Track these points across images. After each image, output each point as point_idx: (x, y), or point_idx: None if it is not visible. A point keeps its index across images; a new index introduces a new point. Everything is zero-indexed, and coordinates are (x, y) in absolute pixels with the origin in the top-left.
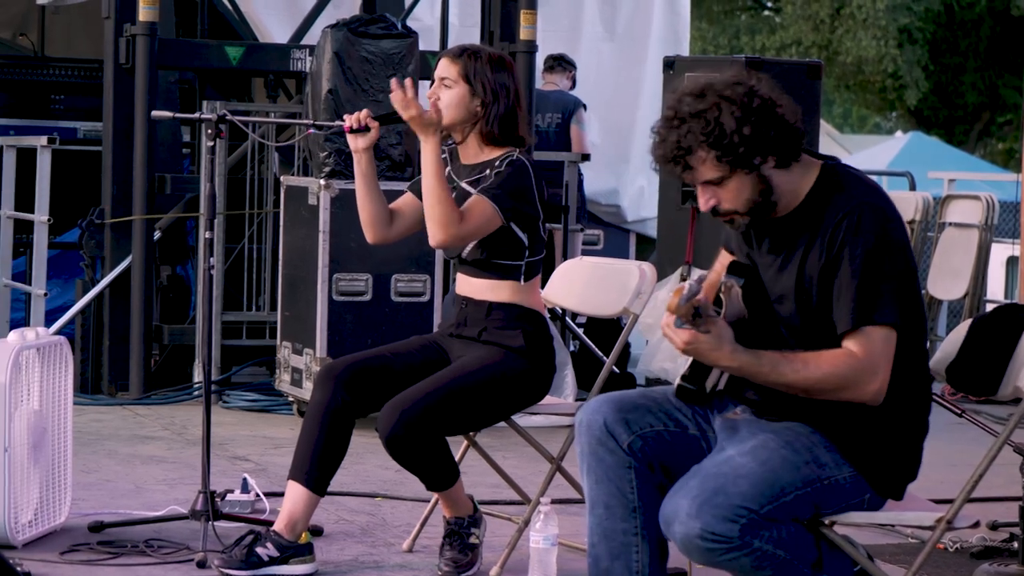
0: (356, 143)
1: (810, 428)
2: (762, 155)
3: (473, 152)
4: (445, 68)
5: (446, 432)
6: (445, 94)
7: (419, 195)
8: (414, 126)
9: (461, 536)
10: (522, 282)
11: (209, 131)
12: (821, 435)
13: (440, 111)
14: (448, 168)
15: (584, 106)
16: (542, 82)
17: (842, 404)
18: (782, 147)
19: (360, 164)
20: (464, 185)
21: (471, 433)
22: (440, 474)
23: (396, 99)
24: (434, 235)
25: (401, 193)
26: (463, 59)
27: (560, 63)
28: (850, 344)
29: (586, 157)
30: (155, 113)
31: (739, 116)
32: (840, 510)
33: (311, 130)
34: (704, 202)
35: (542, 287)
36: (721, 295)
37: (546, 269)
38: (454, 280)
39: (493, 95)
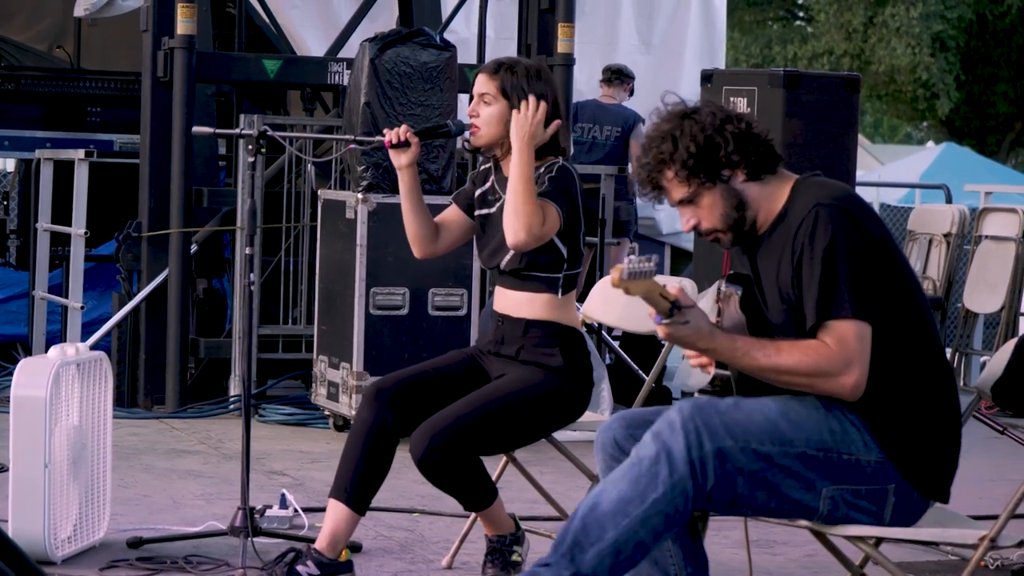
0: (399, 159)
1: (851, 409)
2: (725, 167)
3: None
4: (483, 84)
5: (480, 453)
6: (484, 111)
7: (464, 207)
8: (520, 142)
9: (503, 554)
10: (559, 296)
11: (250, 147)
12: (859, 416)
13: (539, 128)
14: (492, 179)
15: (643, 120)
16: (600, 94)
17: (875, 390)
18: (745, 158)
19: (404, 181)
20: (507, 197)
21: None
22: (476, 494)
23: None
24: (517, 233)
25: (442, 207)
26: (500, 74)
27: (618, 76)
28: (822, 337)
29: (623, 170)
30: (196, 129)
31: (695, 132)
32: (855, 492)
33: (352, 145)
34: (685, 222)
35: (580, 302)
36: (719, 304)
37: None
38: (490, 294)
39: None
